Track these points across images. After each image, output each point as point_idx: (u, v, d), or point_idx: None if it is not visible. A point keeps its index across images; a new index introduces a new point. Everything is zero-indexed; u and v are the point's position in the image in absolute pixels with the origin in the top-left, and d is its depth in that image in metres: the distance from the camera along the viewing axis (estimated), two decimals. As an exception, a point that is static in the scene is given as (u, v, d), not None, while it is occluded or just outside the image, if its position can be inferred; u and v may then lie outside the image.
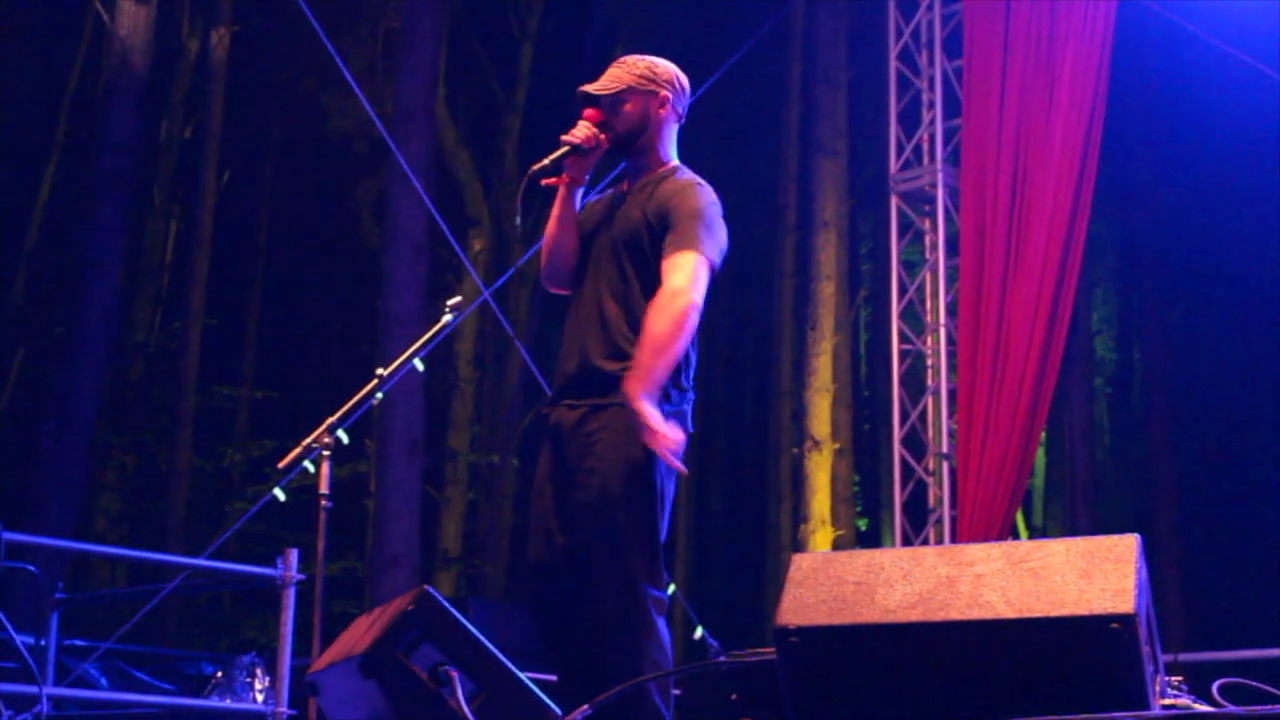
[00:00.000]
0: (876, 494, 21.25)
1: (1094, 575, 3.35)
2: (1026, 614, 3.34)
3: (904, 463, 11.60)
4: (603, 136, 4.48)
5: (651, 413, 4.08)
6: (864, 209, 20.59)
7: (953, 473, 11.13)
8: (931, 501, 11.47)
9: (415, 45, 13.75)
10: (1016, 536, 20.19)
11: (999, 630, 3.36)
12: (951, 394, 11.31)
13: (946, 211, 11.70)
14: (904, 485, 11.56)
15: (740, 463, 24.16)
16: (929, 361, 11.82)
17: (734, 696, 4.02)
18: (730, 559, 23.85)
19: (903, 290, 11.99)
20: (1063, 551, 3.44)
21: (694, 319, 4.23)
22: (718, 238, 4.40)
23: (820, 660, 3.52)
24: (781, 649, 3.52)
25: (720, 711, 4.33)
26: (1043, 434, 21.53)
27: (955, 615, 3.39)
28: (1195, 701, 3.71)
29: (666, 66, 4.61)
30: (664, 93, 4.54)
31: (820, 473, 14.40)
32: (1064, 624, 3.31)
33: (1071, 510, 19.38)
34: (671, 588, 14.03)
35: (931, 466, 11.52)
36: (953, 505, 11.07)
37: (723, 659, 4.34)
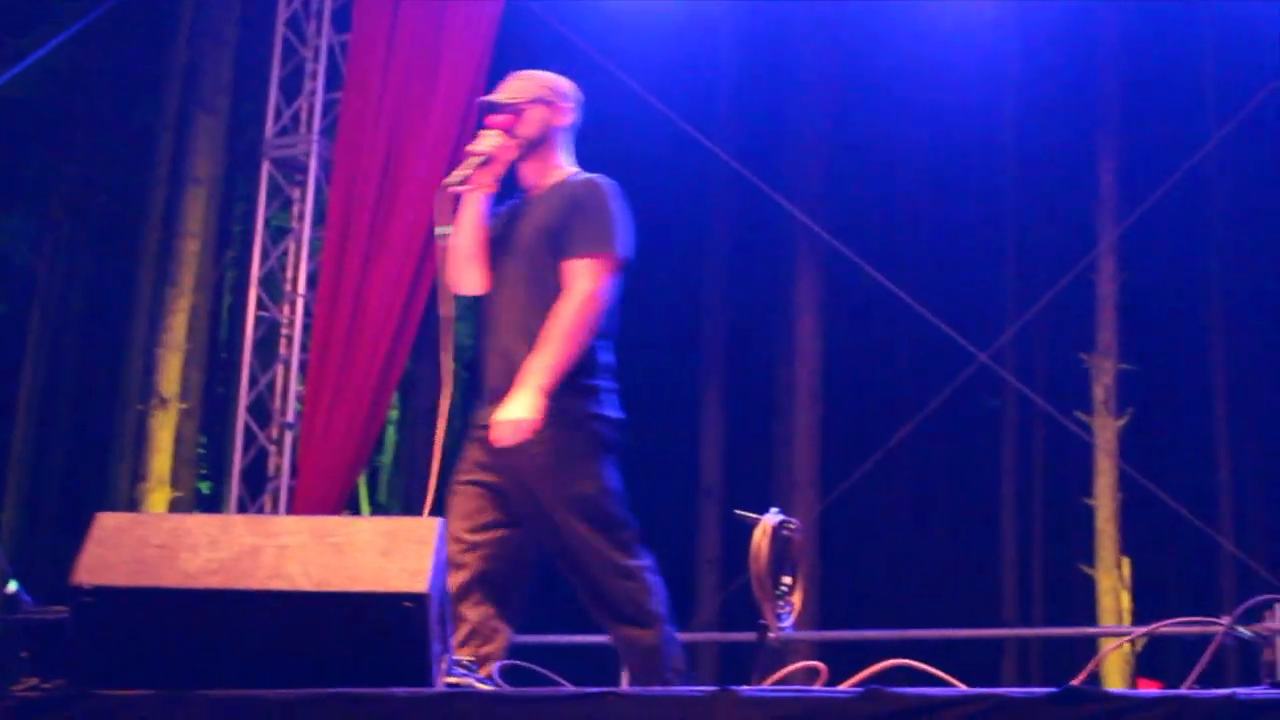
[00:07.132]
0: (224, 459, 20.99)
1: (394, 554, 3.46)
2: (324, 588, 3.42)
3: (248, 429, 11.51)
4: (510, 144, 4.78)
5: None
6: (243, 170, 20.29)
7: (295, 442, 11.13)
8: (271, 470, 11.44)
9: None
10: (358, 511, 20.50)
11: (297, 602, 3.43)
12: (303, 364, 11.31)
13: (318, 183, 11.68)
14: (246, 451, 11.46)
15: (85, 418, 23.32)
16: (284, 330, 11.77)
17: (24, 654, 3.91)
18: (64, 516, 22.99)
19: (265, 256, 11.88)
20: (368, 529, 3.54)
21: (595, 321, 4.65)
22: (625, 232, 4.77)
23: (116, 621, 3.49)
24: (76, 607, 3.47)
25: (11, 670, 4.20)
26: (394, 412, 21.95)
27: (255, 584, 3.44)
28: (480, 682, 3.89)
29: (567, 82, 4.97)
30: (564, 104, 4.91)
31: (164, 432, 14.15)
32: (360, 599, 3.41)
33: (411, 489, 19.78)
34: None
35: (275, 435, 11.49)
36: (293, 475, 11.07)
37: (21, 615, 4.20)
